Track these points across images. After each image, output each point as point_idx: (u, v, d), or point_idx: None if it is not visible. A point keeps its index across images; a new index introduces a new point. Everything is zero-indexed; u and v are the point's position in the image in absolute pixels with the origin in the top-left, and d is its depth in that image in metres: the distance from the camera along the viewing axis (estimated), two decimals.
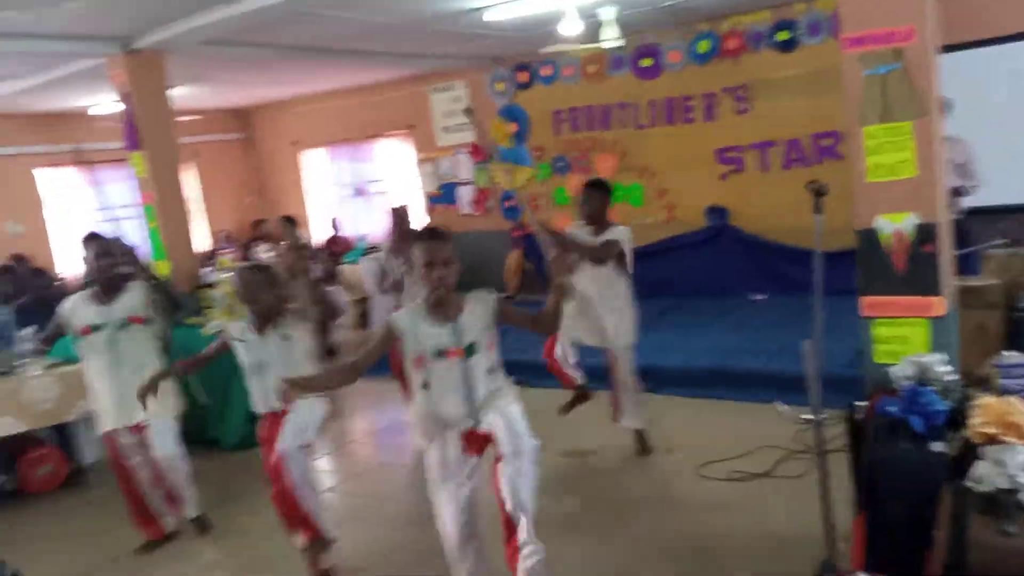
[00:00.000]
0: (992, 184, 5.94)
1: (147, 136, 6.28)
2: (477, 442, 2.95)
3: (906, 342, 3.33)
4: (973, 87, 6.27)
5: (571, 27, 6.39)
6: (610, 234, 4.59)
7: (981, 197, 5.90)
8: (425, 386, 2.89)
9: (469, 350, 2.85)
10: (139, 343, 4.12)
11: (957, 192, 5.54)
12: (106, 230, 9.89)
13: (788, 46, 7.58)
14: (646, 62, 8.38)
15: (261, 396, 3.64)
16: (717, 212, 8.27)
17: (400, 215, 5.73)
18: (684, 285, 8.42)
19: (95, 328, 4.04)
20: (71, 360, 4.88)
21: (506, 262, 9.49)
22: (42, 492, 5.09)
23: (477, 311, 2.89)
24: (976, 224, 5.69)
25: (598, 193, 4.65)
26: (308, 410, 3.58)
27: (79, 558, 4.23)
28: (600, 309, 4.67)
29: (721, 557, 3.51)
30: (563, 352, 4.84)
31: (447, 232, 2.98)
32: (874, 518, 2.48)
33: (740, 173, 8.08)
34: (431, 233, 2.95)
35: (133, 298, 4.14)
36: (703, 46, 8.02)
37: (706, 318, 7.39)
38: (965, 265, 5.21)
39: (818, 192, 2.73)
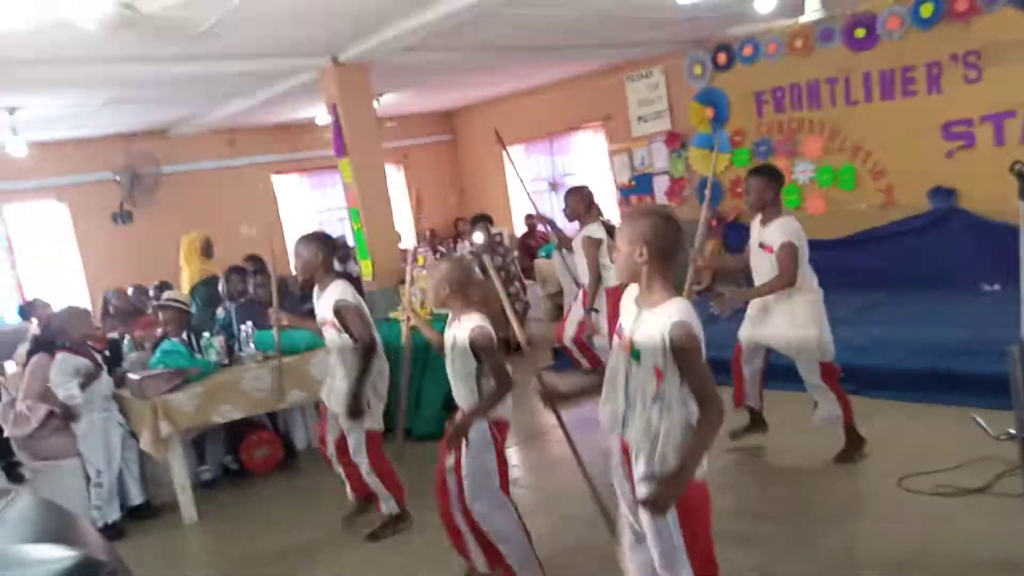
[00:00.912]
0: None
1: (353, 143, 6.71)
2: (628, 458, 2.56)
3: None
4: None
5: (766, 4, 6.04)
6: (777, 228, 4.29)
7: None
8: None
9: (634, 352, 2.45)
10: (334, 344, 4.25)
11: None
12: (328, 231, 10.83)
13: None
14: (860, 32, 7.70)
15: None
16: (943, 194, 7.45)
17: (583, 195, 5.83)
18: (904, 276, 7.66)
19: (321, 322, 4.26)
20: (284, 352, 5.35)
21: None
22: (261, 473, 5.62)
23: (660, 319, 2.40)
24: None
25: (756, 180, 4.39)
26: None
27: (286, 530, 4.64)
28: (772, 315, 4.46)
29: None
30: (748, 361, 4.68)
31: (635, 214, 2.58)
32: None
33: (970, 149, 7.22)
34: (646, 210, 2.61)
35: (324, 304, 4.20)
36: (927, 9, 7.24)
37: (927, 312, 6.67)
38: None
39: (1022, 175, 2.35)
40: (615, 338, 2.60)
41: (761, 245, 4.41)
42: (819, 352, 4.40)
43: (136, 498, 5.14)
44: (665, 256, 2.46)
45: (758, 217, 4.47)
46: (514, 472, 5.13)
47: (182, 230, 8.13)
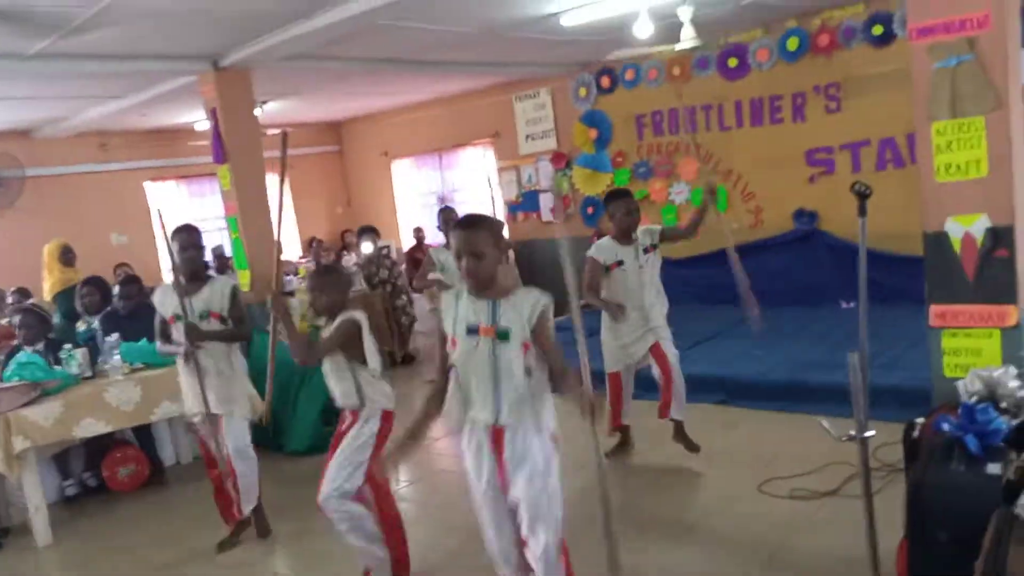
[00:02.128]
0: None
1: (233, 150, 6.53)
2: (498, 441, 2.72)
3: (978, 354, 3.09)
4: None
5: (644, 29, 6.27)
6: (650, 234, 4.74)
7: None
8: (454, 366, 2.75)
9: (502, 334, 2.65)
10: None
11: None
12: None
13: (883, 40, 7.18)
14: (732, 62, 8.12)
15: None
16: (806, 216, 7.92)
17: (446, 216, 5.87)
18: (770, 292, 8.02)
19: (178, 318, 4.14)
20: (152, 365, 5.13)
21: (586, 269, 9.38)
22: (125, 491, 5.34)
23: (522, 304, 2.67)
24: None
25: (619, 202, 4.67)
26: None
27: (157, 554, 4.43)
28: (651, 312, 4.71)
29: None
30: (627, 386, 4.85)
31: (486, 221, 2.78)
32: (918, 544, 2.29)
33: (830, 175, 7.71)
34: (465, 221, 2.76)
35: (214, 293, 4.20)
36: (792, 43, 7.70)
37: (790, 327, 7.07)
38: None
39: (862, 194, 2.55)
40: (464, 336, 2.71)
41: (644, 250, 4.70)
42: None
43: None
44: (502, 246, 2.81)
45: (615, 243, 4.72)
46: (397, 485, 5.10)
47: (46, 237, 7.67)
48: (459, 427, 2.82)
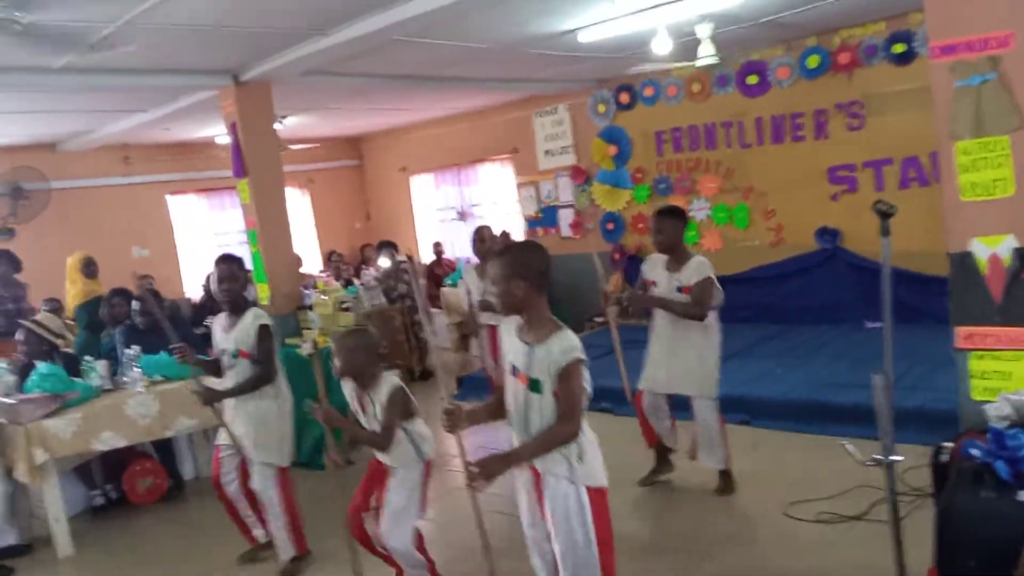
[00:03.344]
0: None
1: (252, 164, 6.57)
2: (537, 484, 2.70)
3: (1007, 377, 3.02)
4: None
5: (662, 46, 6.26)
6: (693, 270, 4.34)
7: None
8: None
9: (533, 385, 2.62)
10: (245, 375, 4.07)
11: None
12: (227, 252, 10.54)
13: (904, 59, 7.14)
14: (752, 79, 8.10)
15: None
16: (828, 234, 7.85)
17: (480, 235, 5.81)
18: (792, 311, 8.04)
19: (222, 352, 4.13)
20: (169, 378, 5.15)
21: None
22: (145, 504, 5.35)
23: (552, 353, 2.60)
24: None
25: (671, 221, 4.43)
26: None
27: (177, 567, 4.43)
28: (677, 354, 4.46)
29: None
30: (652, 404, 4.63)
31: (506, 250, 2.78)
32: (947, 572, 2.24)
33: (853, 193, 7.65)
34: (500, 249, 2.83)
35: (244, 329, 4.05)
36: (813, 61, 7.67)
37: (812, 347, 7.01)
38: None
39: (884, 213, 2.50)
40: (509, 376, 2.73)
41: (679, 289, 4.37)
42: (716, 391, 4.49)
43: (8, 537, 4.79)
44: (539, 285, 2.67)
45: (661, 259, 4.47)
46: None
47: (69, 249, 7.75)
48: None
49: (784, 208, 8.14)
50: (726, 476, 4.54)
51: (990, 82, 3.02)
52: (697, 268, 4.34)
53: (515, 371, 2.70)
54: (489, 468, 2.58)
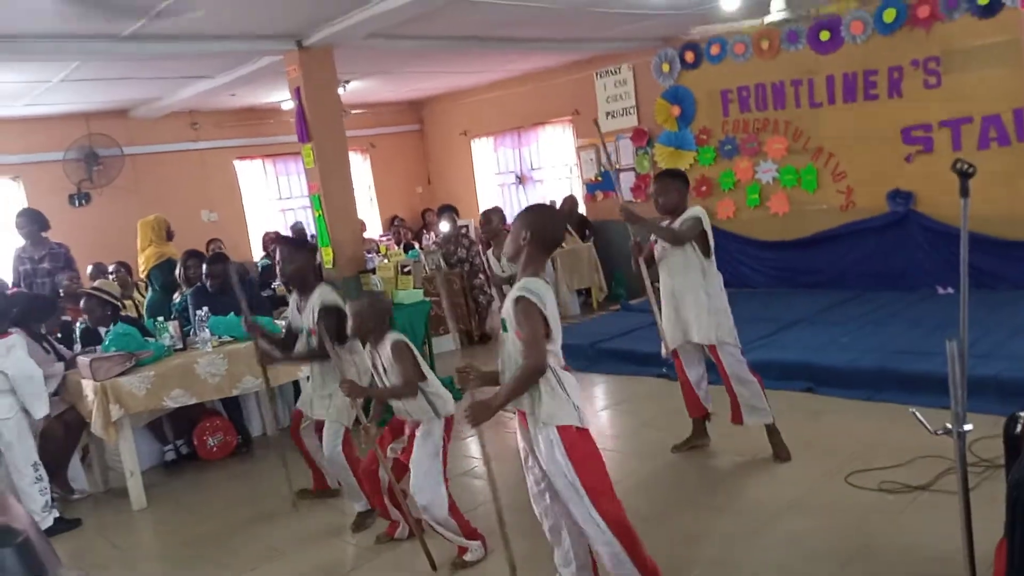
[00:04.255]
0: None
1: (316, 129, 6.63)
2: (527, 429, 2.85)
3: None
4: None
5: (731, 2, 6.07)
6: (684, 218, 4.30)
7: None
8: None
9: (503, 324, 2.81)
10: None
11: None
12: (288, 218, 10.71)
13: (988, 11, 6.79)
14: (825, 35, 7.80)
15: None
16: (902, 197, 7.57)
17: (487, 218, 6.20)
18: (862, 277, 7.81)
19: (298, 329, 4.27)
20: (238, 339, 5.29)
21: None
22: (214, 459, 5.55)
23: (514, 293, 2.76)
24: None
25: (675, 183, 4.36)
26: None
27: (236, 515, 4.61)
28: (682, 302, 4.37)
29: (854, 574, 3.21)
30: (688, 361, 4.55)
31: (530, 208, 2.99)
32: (1018, 545, 2.15)
33: (928, 154, 7.35)
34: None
35: (310, 308, 4.14)
36: (889, 15, 7.35)
37: (883, 313, 6.79)
38: None
39: (964, 173, 2.38)
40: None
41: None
42: (735, 340, 4.38)
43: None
44: (543, 244, 2.84)
45: (664, 222, 4.41)
46: (471, 462, 5.14)
47: (142, 213, 7.98)
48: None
49: (855, 170, 7.87)
50: (775, 434, 4.40)
51: None
52: (688, 215, 4.31)
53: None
54: (475, 414, 2.72)
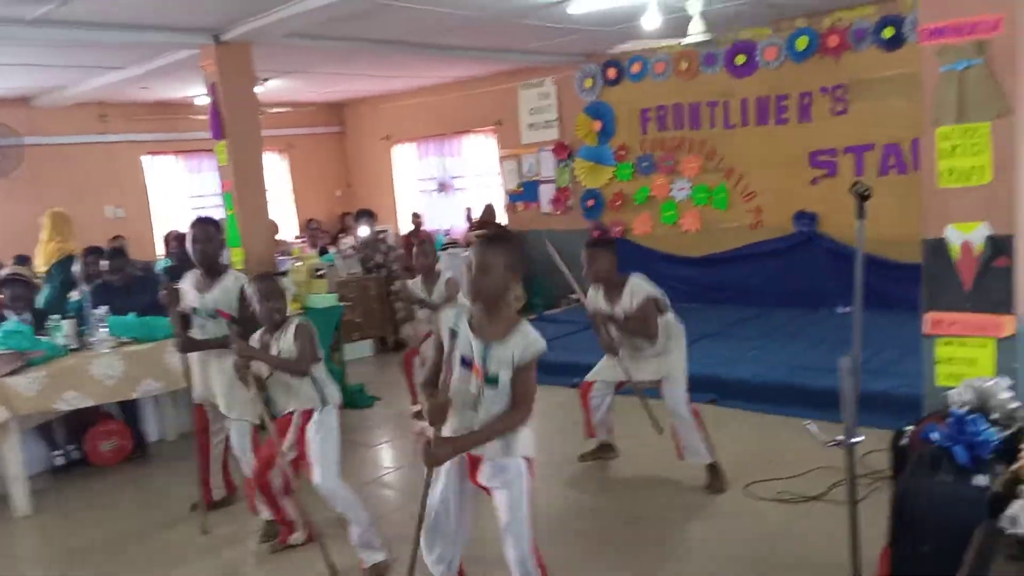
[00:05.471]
0: None
1: (231, 126, 6.45)
2: (475, 464, 2.74)
3: (972, 364, 3.04)
4: None
5: (652, 21, 6.19)
6: (630, 295, 4.23)
7: None
8: (450, 389, 2.68)
9: (491, 380, 2.63)
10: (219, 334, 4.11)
11: None
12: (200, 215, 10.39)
13: (893, 44, 7.12)
14: (740, 59, 8.06)
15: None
16: (807, 218, 7.87)
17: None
18: (767, 294, 8.08)
19: (193, 311, 4.18)
20: (139, 340, 5.08)
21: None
22: (106, 465, 5.30)
23: (514, 347, 2.62)
24: None
25: (605, 252, 4.29)
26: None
27: (131, 524, 4.41)
28: (642, 352, 4.36)
29: None
30: (598, 399, 4.55)
31: (506, 240, 2.71)
32: (900, 553, 2.25)
33: (833, 178, 7.65)
34: (486, 237, 2.73)
35: (225, 291, 4.13)
36: (802, 43, 7.64)
37: (786, 329, 7.04)
38: None
39: (861, 195, 2.49)
40: (460, 366, 2.67)
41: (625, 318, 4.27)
42: (684, 380, 4.36)
43: None
44: (520, 282, 2.69)
45: (598, 292, 4.35)
46: (380, 469, 5.07)
47: (44, 207, 7.60)
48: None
49: (764, 190, 8.14)
50: (713, 470, 4.33)
51: (975, 67, 3.00)
52: (632, 291, 4.24)
53: (467, 362, 2.66)
54: (437, 453, 2.58)
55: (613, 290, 4.31)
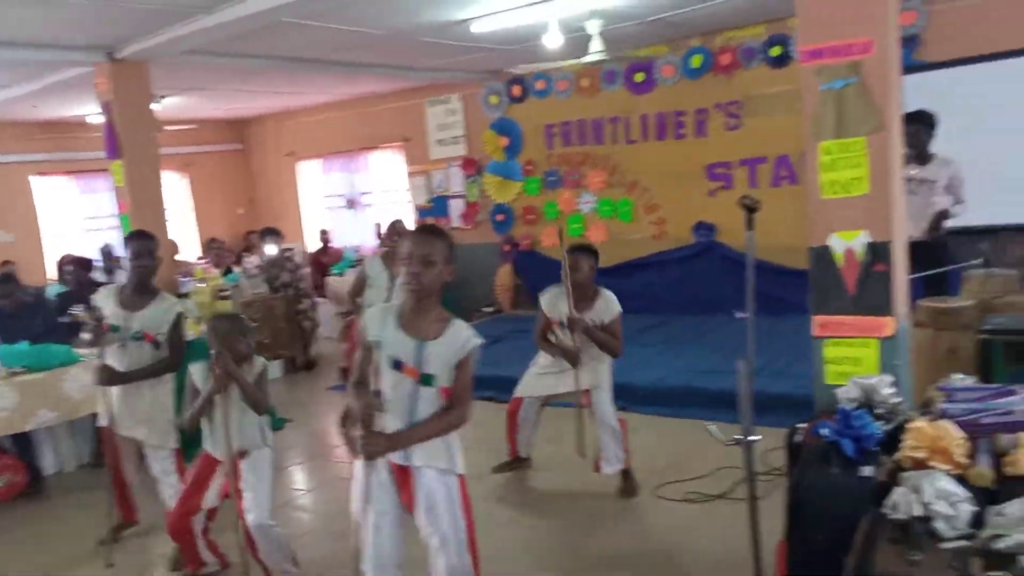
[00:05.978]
0: (975, 204, 5.81)
1: (127, 145, 6.28)
2: (405, 480, 2.66)
3: (857, 363, 3.24)
4: (964, 104, 6.20)
5: (553, 40, 6.36)
6: (605, 308, 4.38)
7: (963, 217, 5.78)
8: (377, 394, 2.63)
9: (425, 379, 2.58)
10: (147, 359, 3.96)
11: (944, 215, 5.42)
12: (94, 240, 9.98)
13: (780, 62, 7.51)
14: (639, 77, 8.33)
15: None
16: (705, 228, 8.19)
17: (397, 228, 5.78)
18: (670, 301, 8.35)
19: (113, 329, 3.95)
20: (31, 369, 4.87)
21: (496, 277, 9.47)
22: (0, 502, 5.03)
23: (452, 344, 2.60)
24: (957, 245, 5.59)
25: (590, 260, 4.35)
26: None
27: (24, 564, 4.19)
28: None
29: None
30: (526, 416, 4.60)
31: (443, 232, 2.69)
32: (796, 544, 2.39)
33: (729, 190, 7.99)
34: (422, 228, 2.72)
35: (157, 314, 3.97)
36: (696, 61, 7.96)
37: (688, 335, 7.30)
38: (944, 286, 5.11)
39: (749, 208, 2.64)
40: (389, 369, 2.60)
41: (601, 326, 4.36)
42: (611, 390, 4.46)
43: None
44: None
45: (562, 296, 4.30)
46: (293, 493, 4.98)
47: None
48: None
49: (666, 203, 8.42)
50: (626, 475, 4.43)
51: (851, 86, 3.21)
52: (608, 305, 4.37)
53: (399, 365, 2.59)
54: (371, 446, 2.53)
55: (585, 299, 4.35)
